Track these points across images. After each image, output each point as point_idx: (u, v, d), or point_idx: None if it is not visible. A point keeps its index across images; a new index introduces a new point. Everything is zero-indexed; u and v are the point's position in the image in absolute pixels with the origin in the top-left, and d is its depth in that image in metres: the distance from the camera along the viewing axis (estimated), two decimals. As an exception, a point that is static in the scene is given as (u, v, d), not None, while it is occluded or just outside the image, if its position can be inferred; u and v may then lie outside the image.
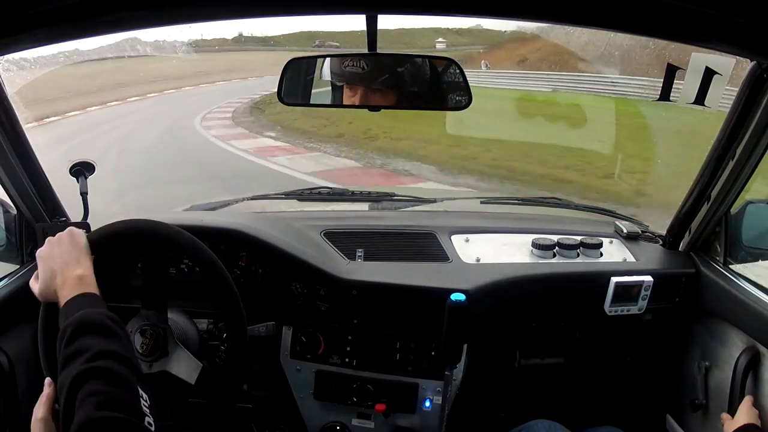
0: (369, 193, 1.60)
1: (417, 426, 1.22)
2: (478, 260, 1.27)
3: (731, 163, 1.07)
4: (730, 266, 1.23)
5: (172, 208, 1.64)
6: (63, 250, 0.86)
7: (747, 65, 0.92)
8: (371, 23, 0.84)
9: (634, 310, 1.24)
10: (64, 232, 0.91)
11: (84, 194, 1.23)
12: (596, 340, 1.52)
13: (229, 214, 1.53)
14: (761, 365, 1.08)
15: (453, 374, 1.11)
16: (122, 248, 1.19)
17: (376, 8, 0.75)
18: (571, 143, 5.79)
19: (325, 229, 1.34)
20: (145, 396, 0.64)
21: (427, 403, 1.21)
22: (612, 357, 1.52)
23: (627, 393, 1.53)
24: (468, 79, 1.00)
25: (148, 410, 0.63)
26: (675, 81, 0.95)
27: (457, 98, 1.04)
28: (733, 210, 1.21)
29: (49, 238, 0.90)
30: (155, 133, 7.61)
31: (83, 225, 1.21)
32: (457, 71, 1.03)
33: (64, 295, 0.79)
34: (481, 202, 1.67)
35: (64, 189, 1.23)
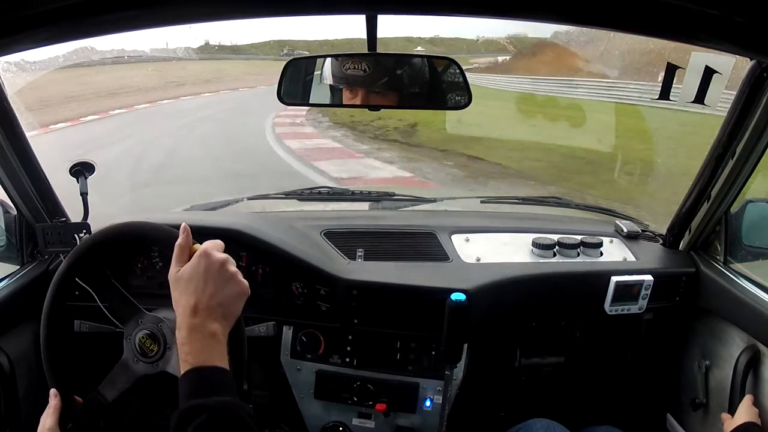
0: (369, 192, 1.60)
1: (417, 425, 1.22)
2: (478, 260, 1.27)
3: (731, 162, 1.07)
4: (731, 265, 1.23)
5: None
6: (225, 283, 0.70)
7: (747, 64, 0.93)
8: (371, 23, 0.85)
9: (634, 309, 1.24)
10: (230, 269, 0.72)
11: (84, 194, 1.23)
12: (596, 340, 1.52)
13: (229, 214, 1.53)
14: (761, 364, 1.08)
15: (453, 374, 1.10)
16: (118, 250, 1.19)
17: (376, 8, 0.75)
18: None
19: (326, 228, 1.34)
20: None
21: (428, 403, 1.21)
22: (612, 356, 1.53)
23: (627, 392, 1.53)
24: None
25: None
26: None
27: (457, 98, 1.04)
28: (733, 209, 1.21)
29: (214, 253, 0.72)
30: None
31: (83, 225, 1.22)
32: (457, 71, 1.03)
33: (194, 351, 0.65)
34: (481, 202, 1.67)
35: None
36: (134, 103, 9.34)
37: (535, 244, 1.31)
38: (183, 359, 0.65)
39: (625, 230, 1.40)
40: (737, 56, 0.87)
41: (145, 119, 8.69)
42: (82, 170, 1.22)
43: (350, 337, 1.22)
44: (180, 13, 0.64)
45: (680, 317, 1.34)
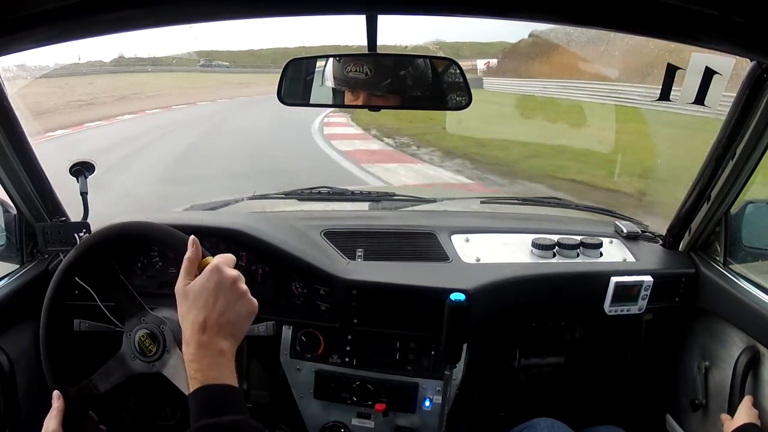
0: (369, 192, 1.61)
1: (417, 425, 1.22)
2: (478, 260, 1.27)
3: (731, 163, 1.07)
4: (730, 266, 1.23)
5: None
6: (235, 301, 0.69)
7: (747, 65, 0.93)
8: (371, 23, 0.85)
9: (634, 309, 1.24)
10: (242, 286, 0.71)
11: (84, 194, 1.23)
12: (596, 340, 1.52)
13: (229, 213, 1.53)
14: (761, 365, 1.08)
15: (453, 374, 1.11)
16: (118, 249, 1.19)
17: (376, 8, 0.75)
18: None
19: (325, 228, 1.34)
20: None
21: (427, 403, 1.21)
22: (612, 357, 1.53)
23: (627, 393, 1.53)
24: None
25: None
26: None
27: (458, 98, 1.04)
28: (733, 210, 1.21)
29: (225, 269, 0.70)
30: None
31: (83, 225, 1.22)
32: (457, 71, 1.03)
33: (203, 368, 0.64)
34: (481, 202, 1.67)
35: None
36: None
37: (535, 245, 1.31)
38: (192, 376, 0.64)
39: (625, 231, 1.40)
40: (737, 57, 0.87)
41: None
42: (82, 170, 1.22)
43: (350, 337, 1.22)
44: (180, 13, 0.64)
45: (680, 318, 1.34)
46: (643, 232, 1.42)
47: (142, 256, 1.27)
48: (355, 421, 1.24)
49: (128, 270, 1.28)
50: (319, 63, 1.05)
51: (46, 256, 1.26)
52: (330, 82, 1.03)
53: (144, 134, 7.63)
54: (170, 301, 0.96)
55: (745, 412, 1.01)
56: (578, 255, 1.31)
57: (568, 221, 1.57)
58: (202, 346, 0.65)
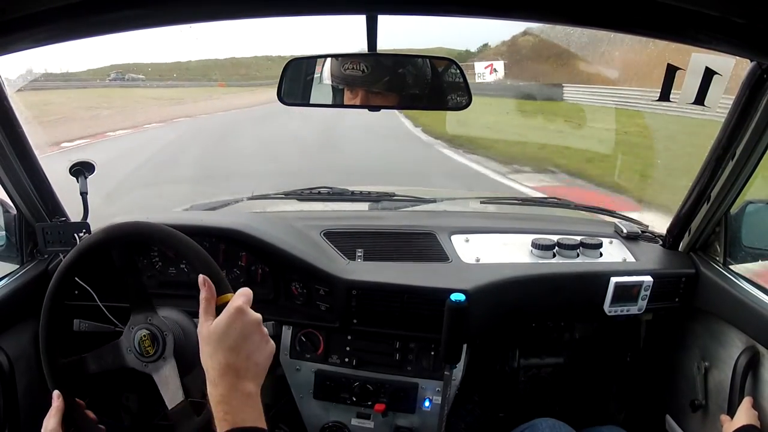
0: (369, 193, 1.60)
1: (416, 426, 1.22)
2: (477, 260, 1.27)
3: (731, 164, 1.07)
4: (730, 266, 1.23)
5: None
6: (260, 345, 0.71)
7: (747, 65, 0.93)
8: (371, 23, 0.84)
9: (633, 310, 1.24)
10: (264, 329, 0.73)
11: (84, 194, 1.23)
12: (596, 341, 1.52)
13: (229, 213, 1.53)
14: (761, 366, 1.08)
15: (452, 374, 1.11)
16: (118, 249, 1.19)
17: (376, 8, 0.75)
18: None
19: (325, 229, 1.34)
20: None
21: (427, 403, 1.21)
22: (611, 357, 1.53)
23: (626, 393, 1.53)
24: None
25: None
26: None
27: (458, 98, 1.04)
28: (733, 210, 1.21)
29: (249, 311, 0.72)
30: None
31: (83, 225, 1.22)
32: (457, 71, 1.03)
33: (233, 411, 0.65)
34: (481, 202, 1.67)
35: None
36: None
37: (535, 245, 1.31)
38: (221, 418, 0.65)
39: (625, 231, 1.40)
40: (737, 57, 0.87)
41: None
42: (81, 170, 1.22)
43: (349, 337, 1.22)
44: (180, 13, 0.64)
45: (679, 318, 1.34)
46: (643, 232, 1.42)
47: (142, 256, 1.27)
48: (354, 422, 1.24)
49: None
50: (319, 62, 1.05)
51: (46, 256, 1.26)
52: (327, 80, 1.03)
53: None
54: (170, 301, 0.96)
55: (744, 413, 1.01)
56: (578, 255, 1.31)
57: (567, 221, 1.57)
58: (231, 388, 0.66)
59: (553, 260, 1.30)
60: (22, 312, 1.16)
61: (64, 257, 0.95)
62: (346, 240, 1.31)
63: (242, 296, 0.72)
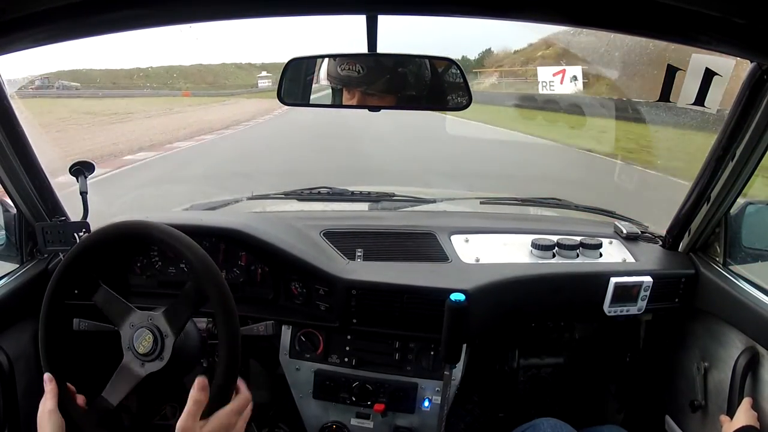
0: (369, 193, 1.60)
1: (416, 426, 1.22)
2: (477, 260, 1.27)
3: (731, 164, 1.07)
4: (730, 267, 1.23)
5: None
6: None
7: (747, 66, 0.93)
8: (371, 23, 0.84)
9: (633, 310, 1.24)
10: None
11: (84, 194, 1.23)
12: (595, 341, 1.52)
13: (229, 213, 1.53)
14: (760, 366, 1.08)
15: (452, 374, 1.10)
16: (118, 249, 1.19)
17: (376, 8, 0.74)
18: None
19: (325, 228, 1.34)
20: None
21: (426, 403, 1.21)
22: (611, 357, 1.53)
23: (626, 393, 1.53)
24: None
25: None
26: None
27: (458, 99, 1.04)
28: (733, 211, 1.21)
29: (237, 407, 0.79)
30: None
31: (83, 225, 1.22)
32: (457, 71, 1.03)
33: None
34: (481, 203, 1.67)
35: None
36: None
37: (535, 245, 1.31)
38: None
39: (625, 231, 1.40)
40: (737, 58, 0.87)
41: None
42: (81, 169, 1.22)
43: (349, 337, 1.22)
44: (180, 12, 0.64)
45: (679, 319, 1.34)
46: (642, 232, 1.42)
47: (142, 256, 1.27)
48: (354, 421, 1.24)
49: (127, 270, 1.28)
50: (319, 62, 1.05)
51: (46, 255, 1.26)
52: (324, 81, 1.03)
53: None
54: (170, 301, 0.96)
55: (744, 414, 1.01)
56: (578, 255, 1.31)
57: (567, 222, 1.57)
58: None
59: (553, 260, 1.30)
60: (21, 311, 1.16)
61: (63, 257, 0.95)
62: (345, 240, 1.31)
63: (237, 414, 0.78)
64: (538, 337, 1.51)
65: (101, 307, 0.93)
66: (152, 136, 8.01)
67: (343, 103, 1.03)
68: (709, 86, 0.93)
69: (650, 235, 1.42)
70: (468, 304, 1.02)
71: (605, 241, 1.35)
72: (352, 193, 1.60)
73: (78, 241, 1.17)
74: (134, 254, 1.28)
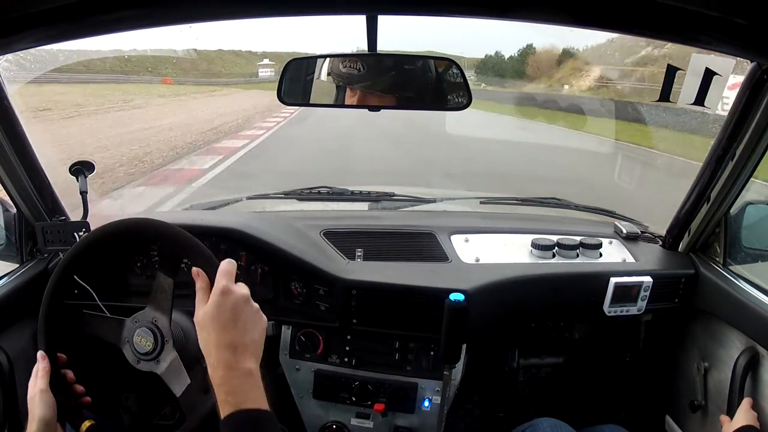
0: (369, 193, 1.60)
1: (416, 426, 1.22)
2: (477, 260, 1.27)
3: (731, 164, 1.07)
4: (730, 267, 1.23)
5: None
6: (254, 320, 0.71)
7: (747, 66, 0.93)
8: (371, 23, 0.84)
9: (633, 310, 1.24)
10: (254, 303, 0.73)
11: (84, 193, 1.23)
12: (595, 341, 1.52)
13: (228, 213, 1.53)
14: (760, 366, 1.08)
15: (452, 374, 1.10)
16: (117, 248, 1.18)
17: (376, 8, 0.74)
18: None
19: (325, 228, 1.34)
20: None
21: (426, 403, 1.21)
22: (611, 358, 1.53)
23: (626, 394, 1.53)
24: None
25: None
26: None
27: (458, 99, 1.04)
28: (733, 211, 1.21)
29: (234, 288, 0.72)
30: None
31: (83, 224, 1.22)
32: (457, 72, 1.03)
33: (235, 391, 0.64)
34: (481, 202, 1.67)
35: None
36: None
37: (535, 245, 1.31)
38: (223, 400, 0.64)
39: (625, 231, 1.40)
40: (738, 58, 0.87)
41: None
42: (81, 169, 1.22)
43: (349, 337, 1.22)
44: (180, 13, 0.64)
45: (679, 319, 1.34)
46: (642, 232, 1.42)
47: (142, 256, 1.27)
48: (354, 421, 1.24)
49: (127, 270, 1.28)
50: (319, 63, 1.05)
51: (46, 255, 1.26)
52: (324, 77, 1.03)
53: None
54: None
55: (744, 414, 1.01)
56: (578, 255, 1.31)
57: (567, 222, 1.57)
58: (230, 368, 0.65)
59: (553, 260, 1.30)
60: (21, 311, 1.16)
61: (63, 256, 0.94)
62: (345, 240, 1.31)
63: (224, 275, 0.72)
64: (538, 337, 1.51)
65: (95, 334, 0.92)
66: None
67: (345, 102, 1.03)
68: (709, 86, 0.93)
69: (650, 235, 1.42)
70: (467, 304, 1.02)
71: (605, 241, 1.35)
72: (352, 192, 1.60)
73: (78, 240, 1.17)
74: (134, 254, 1.28)
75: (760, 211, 1.25)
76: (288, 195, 1.59)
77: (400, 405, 1.21)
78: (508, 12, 0.66)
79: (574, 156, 6.79)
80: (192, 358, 0.96)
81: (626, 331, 1.47)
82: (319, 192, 1.59)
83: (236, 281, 0.75)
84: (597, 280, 1.23)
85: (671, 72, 0.93)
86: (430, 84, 1.04)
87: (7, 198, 1.20)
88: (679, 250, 1.34)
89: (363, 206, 1.64)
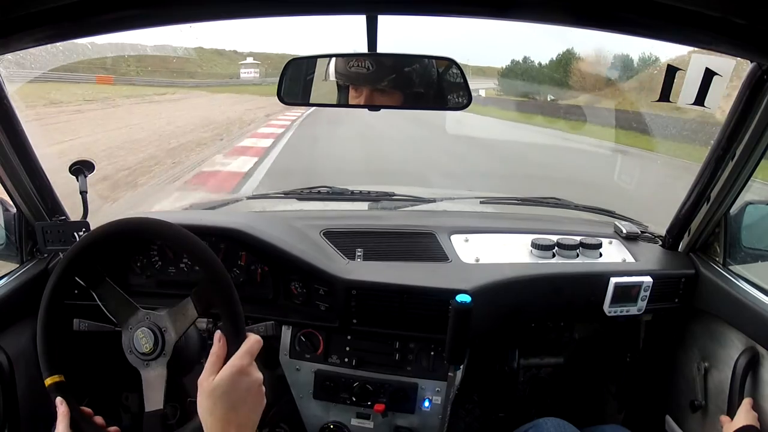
0: (368, 192, 1.60)
1: (416, 426, 1.22)
2: (477, 260, 1.27)
3: (731, 164, 1.07)
4: (730, 267, 1.23)
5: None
6: (260, 403, 0.74)
7: (747, 66, 0.93)
8: (371, 23, 0.84)
9: (633, 310, 1.24)
10: (263, 389, 0.76)
11: (83, 193, 1.23)
12: (595, 341, 1.52)
13: (228, 213, 1.53)
14: (760, 366, 1.08)
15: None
16: (117, 248, 1.18)
17: (376, 8, 0.74)
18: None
19: (325, 228, 1.34)
20: None
21: (426, 403, 1.21)
22: (611, 358, 1.53)
23: (626, 393, 1.53)
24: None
25: None
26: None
27: (458, 98, 1.04)
28: (733, 211, 1.21)
29: (253, 373, 0.75)
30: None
31: (83, 224, 1.22)
32: (458, 71, 1.03)
33: None
34: (481, 202, 1.67)
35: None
36: None
37: (535, 245, 1.31)
38: None
39: (625, 231, 1.40)
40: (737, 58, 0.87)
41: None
42: (81, 168, 1.22)
43: (349, 337, 1.22)
44: (180, 13, 0.64)
45: (679, 319, 1.34)
46: (642, 232, 1.42)
47: (141, 255, 1.27)
48: (354, 422, 1.24)
49: (127, 269, 1.28)
50: (320, 62, 1.05)
51: (46, 255, 1.26)
52: (332, 77, 1.03)
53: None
54: (169, 300, 0.96)
55: (744, 415, 1.01)
56: (578, 255, 1.31)
57: (567, 221, 1.57)
58: None
59: (553, 260, 1.30)
60: (21, 311, 1.16)
61: (63, 255, 0.94)
62: (345, 239, 1.31)
63: (248, 354, 0.75)
64: (538, 337, 1.51)
65: (103, 301, 0.92)
66: None
67: (349, 102, 1.03)
68: (709, 86, 0.93)
69: (650, 235, 1.42)
70: (473, 306, 1.01)
71: (605, 241, 1.35)
72: (352, 192, 1.60)
73: (78, 240, 1.17)
74: (134, 253, 1.28)
75: (760, 211, 1.25)
76: (288, 195, 1.59)
77: (400, 405, 1.21)
78: (508, 12, 0.66)
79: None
80: (192, 357, 0.96)
81: (626, 331, 1.47)
82: (319, 192, 1.59)
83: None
84: (597, 280, 1.23)
85: (671, 72, 0.93)
86: (431, 84, 1.04)
87: (7, 198, 1.20)
88: (679, 250, 1.34)
89: (363, 206, 1.64)
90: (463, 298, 0.98)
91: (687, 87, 0.95)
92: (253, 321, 1.12)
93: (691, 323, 1.32)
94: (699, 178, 1.16)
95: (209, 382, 0.72)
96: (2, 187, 1.16)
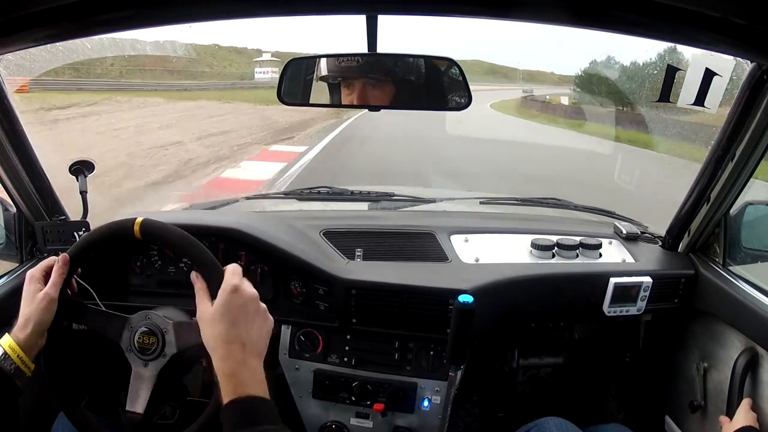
0: (368, 192, 1.60)
1: (415, 426, 1.22)
2: (477, 260, 1.27)
3: (731, 165, 1.07)
4: (729, 268, 1.23)
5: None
6: (263, 319, 0.74)
7: (747, 66, 0.93)
8: (371, 23, 0.84)
9: (633, 311, 1.24)
10: (262, 304, 0.75)
11: (83, 193, 1.23)
12: (595, 341, 1.52)
13: (228, 213, 1.53)
14: (760, 367, 1.08)
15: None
16: (117, 247, 1.18)
17: (376, 8, 0.74)
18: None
19: (325, 228, 1.34)
20: None
21: (426, 403, 1.21)
22: (611, 358, 1.53)
23: (626, 394, 1.53)
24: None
25: None
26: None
27: (458, 99, 1.04)
28: (733, 211, 1.21)
29: (245, 288, 0.73)
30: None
31: (83, 224, 1.22)
32: (458, 71, 1.03)
33: (240, 384, 0.66)
34: (481, 203, 1.67)
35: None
36: None
37: (534, 245, 1.31)
38: (231, 391, 0.66)
39: (624, 232, 1.40)
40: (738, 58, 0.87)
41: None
42: (81, 168, 1.22)
43: (348, 337, 1.22)
44: (179, 12, 0.64)
45: (679, 319, 1.34)
46: (642, 233, 1.42)
47: (141, 255, 1.27)
48: (353, 421, 1.24)
49: (127, 269, 1.28)
50: (318, 62, 1.05)
51: (46, 255, 1.26)
52: (323, 72, 1.03)
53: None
54: (169, 300, 0.96)
55: (743, 415, 1.01)
56: (577, 256, 1.31)
57: (567, 222, 1.57)
58: (239, 362, 0.68)
59: (553, 261, 1.30)
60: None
61: None
62: (345, 239, 1.31)
63: (234, 274, 0.74)
64: (537, 337, 1.51)
65: (95, 330, 0.92)
66: None
67: (343, 101, 1.03)
68: (709, 86, 0.93)
69: (650, 236, 1.42)
70: (475, 306, 1.01)
71: (605, 242, 1.35)
72: (352, 192, 1.60)
73: (77, 240, 1.17)
74: (134, 253, 1.28)
75: (759, 211, 1.24)
76: (288, 195, 1.59)
77: (399, 405, 1.21)
78: (509, 12, 0.66)
79: None
80: (192, 358, 0.96)
81: (626, 332, 1.47)
82: (318, 192, 1.59)
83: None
84: (597, 281, 1.23)
85: (671, 72, 0.93)
86: (431, 83, 1.04)
87: (7, 198, 1.20)
88: (678, 250, 1.34)
89: (363, 206, 1.64)
90: (466, 298, 0.98)
91: (687, 87, 0.95)
92: None
93: (691, 323, 1.32)
94: (699, 178, 1.16)
95: (205, 309, 0.72)
96: (2, 187, 1.16)
